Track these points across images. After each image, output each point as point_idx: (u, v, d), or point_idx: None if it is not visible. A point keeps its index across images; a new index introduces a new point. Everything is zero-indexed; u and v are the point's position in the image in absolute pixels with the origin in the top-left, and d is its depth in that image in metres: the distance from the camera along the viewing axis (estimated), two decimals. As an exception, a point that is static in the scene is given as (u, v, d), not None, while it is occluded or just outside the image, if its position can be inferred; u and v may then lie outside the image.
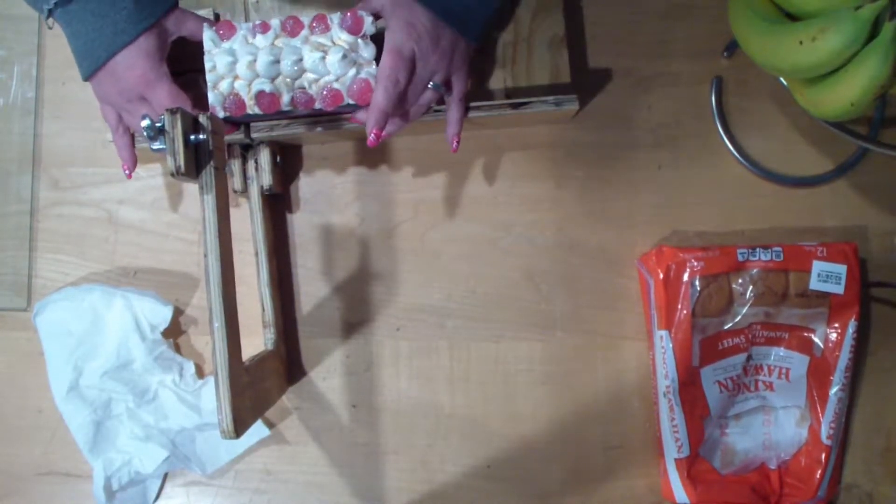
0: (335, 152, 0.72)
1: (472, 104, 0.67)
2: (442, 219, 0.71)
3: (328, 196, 0.72)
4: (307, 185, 0.72)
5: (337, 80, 0.64)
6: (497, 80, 0.70)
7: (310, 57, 0.63)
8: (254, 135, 0.67)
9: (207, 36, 0.64)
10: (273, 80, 0.64)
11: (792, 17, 0.63)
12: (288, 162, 0.72)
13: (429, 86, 0.62)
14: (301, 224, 0.72)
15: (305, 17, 0.64)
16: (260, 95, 0.64)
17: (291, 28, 0.65)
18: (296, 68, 0.63)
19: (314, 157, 0.73)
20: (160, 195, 0.73)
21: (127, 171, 0.67)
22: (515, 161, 0.71)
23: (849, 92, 0.58)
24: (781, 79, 0.69)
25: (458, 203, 0.71)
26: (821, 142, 0.71)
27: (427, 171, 0.72)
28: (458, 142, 0.65)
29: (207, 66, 0.64)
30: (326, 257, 0.71)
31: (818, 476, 0.64)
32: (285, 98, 0.64)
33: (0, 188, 0.74)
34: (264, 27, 0.65)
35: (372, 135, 0.61)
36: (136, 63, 0.60)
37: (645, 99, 0.72)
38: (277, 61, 0.64)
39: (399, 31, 0.59)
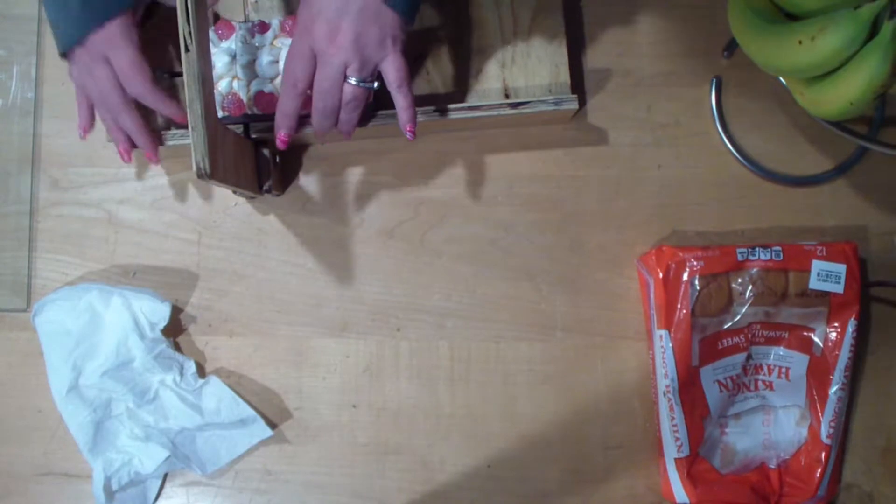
0: (335, 152, 0.72)
1: (472, 104, 0.67)
2: (442, 219, 0.71)
3: (328, 196, 0.72)
4: (307, 185, 0.72)
5: None
6: (496, 80, 0.70)
7: None
8: (253, 135, 0.68)
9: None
10: (272, 80, 0.65)
11: (792, 17, 0.63)
12: (288, 162, 0.72)
13: (349, 81, 0.58)
14: (301, 224, 0.72)
15: None
16: (258, 95, 0.64)
17: (290, 28, 0.65)
18: None
19: (314, 157, 0.73)
20: (160, 195, 0.73)
21: (82, 132, 0.67)
22: (515, 161, 0.71)
23: (848, 91, 0.58)
24: (781, 79, 0.69)
25: (458, 203, 0.71)
26: (821, 141, 0.71)
27: (427, 171, 0.72)
28: (412, 130, 0.61)
29: None
30: (326, 257, 0.71)
31: (818, 475, 0.64)
32: None
33: (0, 188, 0.74)
34: (263, 27, 0.65)
35: (278, 140, 0.61)
36: (104, 26, 0.61)
37: (645, 99, 0.72)
38: (276, 61, 0.64)
39: (296, 31, 0.58)
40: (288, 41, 0.65)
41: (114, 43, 0.61)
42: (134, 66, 0.62)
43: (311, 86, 0.59)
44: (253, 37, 0.65)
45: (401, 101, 0.60)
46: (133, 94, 0.63)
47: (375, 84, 0.59)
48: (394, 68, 0.58)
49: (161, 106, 0.64)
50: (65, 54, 0.63)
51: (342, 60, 0.57)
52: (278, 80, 0.65)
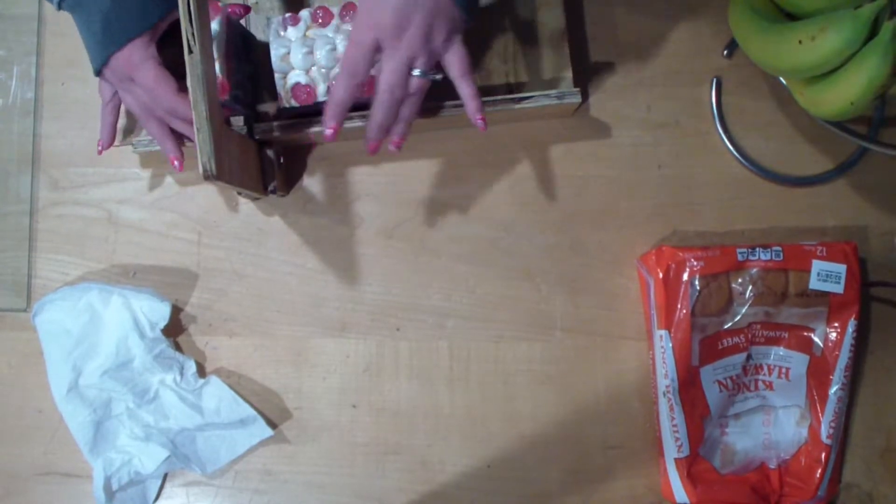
0: (336, 152, 0.72)
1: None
2: (442, 219, 0.71)
3: (328, 196, 0.72)
4: (308, 186, 0.72)
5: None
6: (498, 76, 0.70)
7: (343, 45, 0.64)
8: (257, 136, 0.68)
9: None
10: (307, 71, 0.65)
11: (792, 17, 0.63)
12: (292, 163, 0.72)
13: (414, 73, 0.58)
14: (301, 224, 0.72)
15: (334, 6, 0.66)
16: (296, 88, 0.65)
17: (322, 18, 0.66)
18: (330, 57, 0.64)
19: (315, 158, 0.73)
20: (160, 195, 0.73)
21: (100, 147, 0.68)
22: (516, 161, 0.71)
23: (848, 91, 0.58)
24: (781, 78, 0.69)
25: (458, 203, 0.71)
26: (821, 141, 0.71)
27: (427, 171, 0.72)
28: (483, 119, 0.61)
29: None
30: (326, 257, 0.71)
31: (818, 475, 0.64)
32: (321, 88, 0.65)
33: (0, 188, 0.74)
34: (294, 20, 0.66)
35: (328, 129, 0.60)
36: (123, 49, 0.62)
37: (645, 98, 0.72)
38: (311, 52, 0.65)
39: (358, 20, 0.57)
40: (321, 32, 0.66)
41: (133, 63, 0.62)
42: (158, 81, 0.62)
43: (368, 78, 0.59)
44: (285, 30, 0.66)
45: (466, 90, 0.60)
46: (164, 109, 0.63)
47: (439, 76, 0.59)
48: (458, 59, 0.58)
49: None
50: (98, 73, 0.64)
51: (410, 55, 0.56)
52: (314, 71, 0.65)
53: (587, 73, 0.72)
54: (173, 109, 0.63)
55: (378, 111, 0.59)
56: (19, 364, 0.72)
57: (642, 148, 0.71)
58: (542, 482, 0.68)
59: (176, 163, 0.67)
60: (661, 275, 0.64)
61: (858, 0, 0.56)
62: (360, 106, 0.67)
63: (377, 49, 0.57)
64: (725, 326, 0.64)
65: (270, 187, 0.68)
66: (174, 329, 0.70)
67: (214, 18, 0.64)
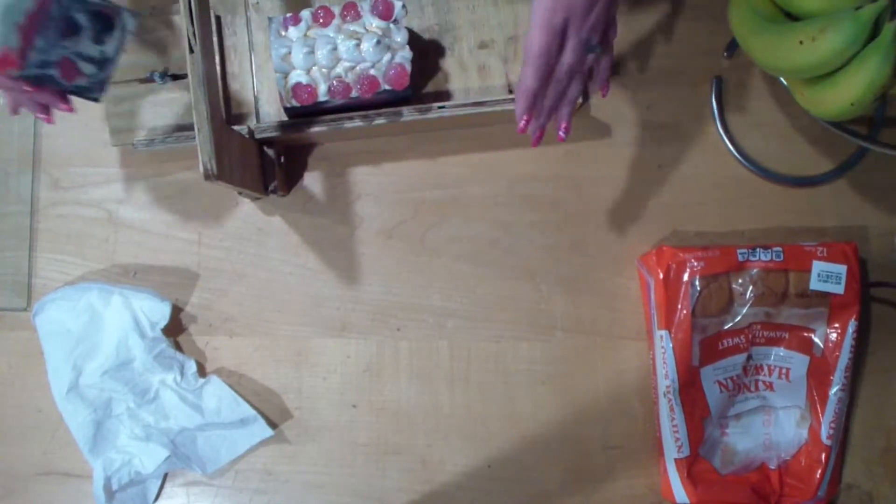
0: (335, 152, 0.72)
1: (475, 100, 0.67)
2: (442, 219, 0.71)
3: (328, 196, 0.72)
4: (308, 186, 0.72)
5: (372, 66, 0.64)
6: (498, 76, 0.70)
7: (344, 45, 0.64)
8: (257, 135, 0.68)
9: None
10: (308, 70, 0.65)
11: (792, 17, 0.63)
12: (292, 162, 0.72)
13: (587, 50, 0.56)
14: (301, 224, 0.72)
15: (335, 6, 0.66)
16: (297, 88, 0.65)
17: (324, 18, 0.66)
18: (331, 57, 0.64)
19: (315, 157, 0.73)
20: (160, 195, 0.73)
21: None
22: (515, 161, 0.71)
23: (849, 92, 0.58)
24: (781, 79, 0.69)
25: (458, 203, 0.71)
26: (821, 141, 0.71)
27: (427, 171, 0.72)
28: (608, 88, 0.61)
29: None
30: (326, 257, 0.71)
31: (818, 476, 0.64)
32: (322, 88, 0.65)
33: (0, 188, 0.74)
34: (295, 19, 0.66)
35: (522, 121, 0.57)
36: None
37: (645, 98, 0.72)
38: (312, 52, 0.65)
39: (544, 2, 0.53)
40: (322, 31, 0.66)
41: None
42: None
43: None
44: (286, 30, 0.66)
45: (608, 61, 0.60)
46: None
47: (600, 49, 0.57)
48: (615, 31, 0.58)
49: None
50: None
51: (590, 32, 0.55)
52: (315, 71, 0.65)
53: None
54: None
55: (552, 95, 0.57)
56: (19, 364, 0.72)
57: (642, 148, 0.71)
58: (542, 482, 0.68)
59: (42, 116, 0.62)
60: (661, 275, 0.64)
61: (859, 1, 0.56)
62: (358, 106, 0.67)
63: (565, 30, 0.54)
64: (726, 327, 0.64)
65: (270, 187, 0.68)
66: (174, 329, 0.70)
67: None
